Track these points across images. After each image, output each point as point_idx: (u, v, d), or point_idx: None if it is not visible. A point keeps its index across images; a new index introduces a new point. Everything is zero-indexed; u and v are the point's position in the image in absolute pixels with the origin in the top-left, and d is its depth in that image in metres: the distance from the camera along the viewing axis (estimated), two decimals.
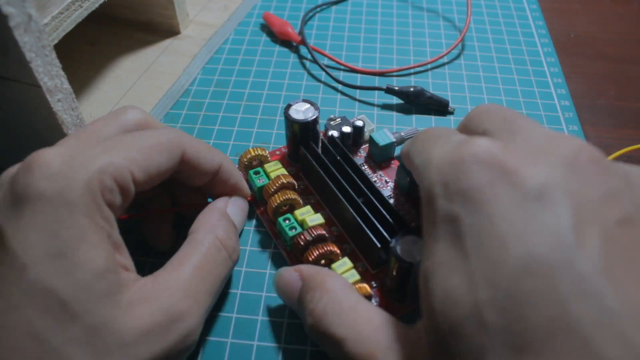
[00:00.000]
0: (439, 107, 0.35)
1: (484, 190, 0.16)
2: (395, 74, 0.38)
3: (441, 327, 0.16)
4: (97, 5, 0.28)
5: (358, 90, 0.36)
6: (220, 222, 0.23)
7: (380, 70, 0.38)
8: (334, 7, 0.44)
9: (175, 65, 0.36)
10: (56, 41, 0.25)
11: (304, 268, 0.22)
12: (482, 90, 0.36)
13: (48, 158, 0.18)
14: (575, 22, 0.44)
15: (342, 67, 0.38)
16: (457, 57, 0.39)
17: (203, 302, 0.21)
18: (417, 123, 0.34)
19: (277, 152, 0.31)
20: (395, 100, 0.36)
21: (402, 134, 0.31)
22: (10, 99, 0.25)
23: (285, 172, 0.27)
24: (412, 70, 0.38)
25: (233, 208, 0.25)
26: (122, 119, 0.23)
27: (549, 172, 0.16)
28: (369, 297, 0.23)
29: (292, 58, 0.39)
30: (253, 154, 0.28)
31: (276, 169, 0.28)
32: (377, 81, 0.37)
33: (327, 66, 0.38)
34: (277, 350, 0.23)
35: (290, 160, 0.30)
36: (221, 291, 0.23)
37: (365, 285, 0.23)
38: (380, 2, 0.45)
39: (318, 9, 0.44)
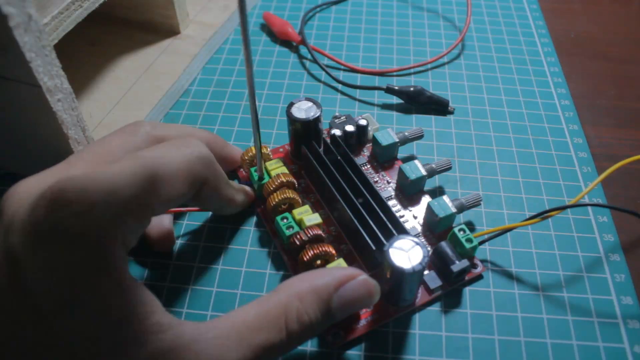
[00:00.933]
0: (439, 107, 0.35)
1: None
2: (395, 73, 0.38)
3: None
4: (97, 5, 0.28)
5: (358, 90, 0.36)
6: (308, 295, 0.20)
7: (380, 70, 0.38)
8: (334, 7, 0.44)
9: (175, 65, 0.36)
10: (56, 41, 0.25)
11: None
12: (482, 90, 0.36)
13: (72, 194, 0.17)
14: (575, 22, 0.44)
15: (342, 67, 0.38)
16: (457, 57, 0.39)
17: None
18: (417, 123, 0.34)
19: (280, 150, 0.31)
20: (395, 100, 0.36)
21: (406, 134, 0.30)
22: (10, 99, 0.25)
23: (286, 171, 0.27)
24: (412, 70, 0.38)
25: (345, 293, 0.20)
26: (132, 139, 0.22)
27: None
28: None
29: (292, 58, 0.39)
30: (255, 151, 0.28)
31: (277, 167, 0.27)
32: (377, 81, 0.37)
33: (327, 66, 0.38)
34: None
35: (293, 158, 0.30)
36: None
37: None
38: (380, 2, 0.45)
39: (318, 9, 0.44)
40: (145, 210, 0.18)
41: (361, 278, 0.21)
